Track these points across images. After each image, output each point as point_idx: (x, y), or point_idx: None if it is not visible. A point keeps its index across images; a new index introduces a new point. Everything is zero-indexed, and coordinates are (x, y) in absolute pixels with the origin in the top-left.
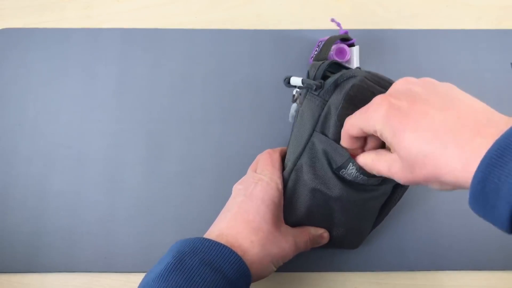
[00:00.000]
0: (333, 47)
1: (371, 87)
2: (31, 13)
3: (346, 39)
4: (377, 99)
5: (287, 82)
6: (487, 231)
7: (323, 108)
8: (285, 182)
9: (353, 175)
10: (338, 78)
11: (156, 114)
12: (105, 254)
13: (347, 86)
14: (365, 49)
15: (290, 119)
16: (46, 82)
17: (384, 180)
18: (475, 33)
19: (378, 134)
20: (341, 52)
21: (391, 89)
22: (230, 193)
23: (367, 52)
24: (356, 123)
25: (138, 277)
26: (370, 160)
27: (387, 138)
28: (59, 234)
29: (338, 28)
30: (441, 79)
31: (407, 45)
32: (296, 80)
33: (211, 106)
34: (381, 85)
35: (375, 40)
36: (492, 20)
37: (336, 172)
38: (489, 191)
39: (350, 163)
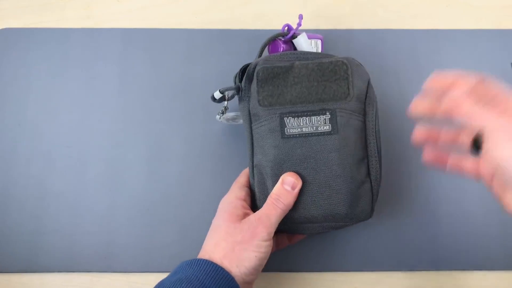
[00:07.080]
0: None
1: (275, 64)
2: (31, 13)
3: (284, 35)
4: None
5: (213, 98)
6: (487, 231)
7: (249, 103)
8: (252, 183)
9: (299, 125)
10: (247, 73)
11: (156, 114)
12: (105, 254)
13: (255, 74)
14: (365, 49)
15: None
16: (46, 82)
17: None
18: (475, 33)
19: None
20: (274, 46)
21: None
22: None
23: (367, 52)
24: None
25: (138, 277)
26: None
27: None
28: (59, 234)
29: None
30: None
31: (407, 45)
32: (217, 93)
33: (211, 106)
34: (282, 60)
35: (375, 40)
36: (492, 20)
37: (287, 134)
38: None
39: (287, 118)
